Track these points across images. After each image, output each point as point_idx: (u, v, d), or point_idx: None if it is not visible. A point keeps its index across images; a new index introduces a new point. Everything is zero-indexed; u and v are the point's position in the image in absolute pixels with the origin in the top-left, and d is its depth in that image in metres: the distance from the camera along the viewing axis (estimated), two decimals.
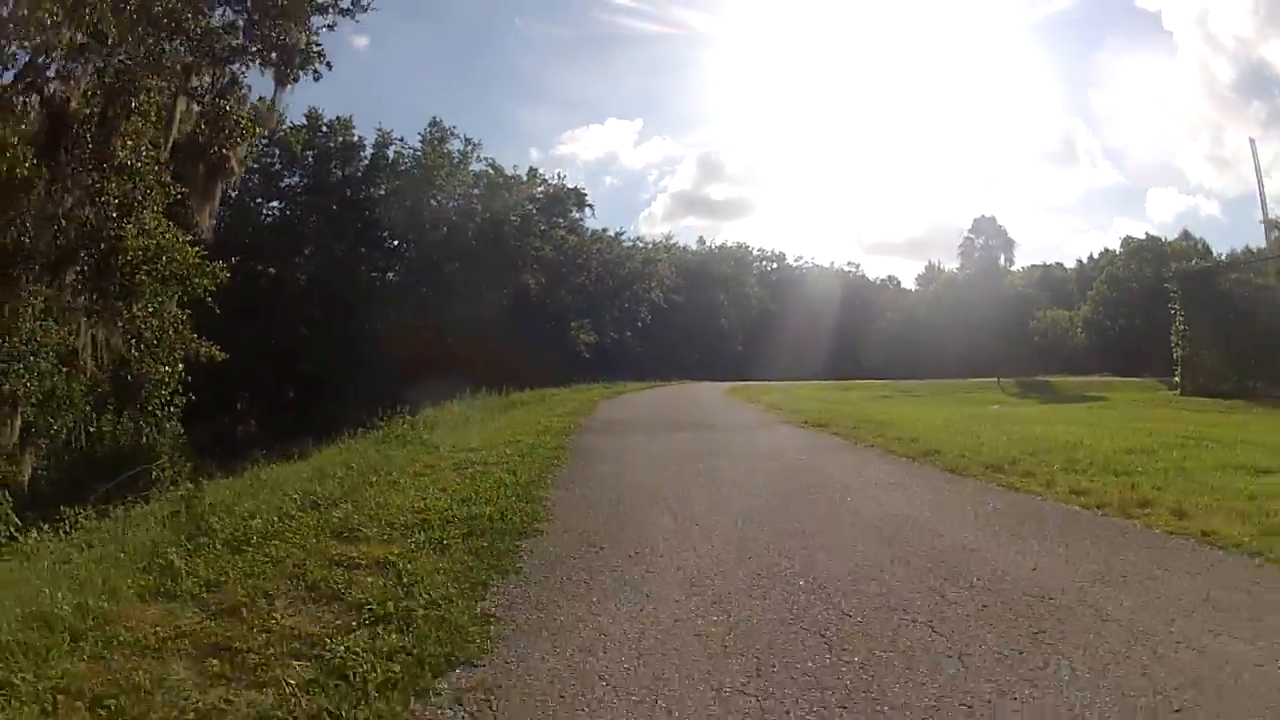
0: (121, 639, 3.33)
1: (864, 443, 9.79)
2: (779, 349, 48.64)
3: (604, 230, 42.20)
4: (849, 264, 69.66)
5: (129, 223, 9.41)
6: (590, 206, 39.97)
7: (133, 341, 10.88)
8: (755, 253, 64.81)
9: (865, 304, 60.67)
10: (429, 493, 6.42)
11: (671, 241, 55.94)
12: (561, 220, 36.64)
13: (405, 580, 4.14)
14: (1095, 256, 59.82)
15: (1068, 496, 6.13)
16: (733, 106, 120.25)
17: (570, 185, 39.22)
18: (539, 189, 36.19)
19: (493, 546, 4.85)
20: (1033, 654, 3.20)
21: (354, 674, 3.03)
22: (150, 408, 14.31)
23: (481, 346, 26.61)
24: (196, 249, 11.74)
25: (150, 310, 11.14)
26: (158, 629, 3.46)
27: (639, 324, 41.62)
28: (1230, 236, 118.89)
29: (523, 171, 36.77)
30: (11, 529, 9.05)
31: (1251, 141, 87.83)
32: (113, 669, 3.06)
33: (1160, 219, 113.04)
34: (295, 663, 3.16)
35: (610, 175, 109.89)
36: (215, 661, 3.15)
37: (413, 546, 4.83)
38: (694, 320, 47.56)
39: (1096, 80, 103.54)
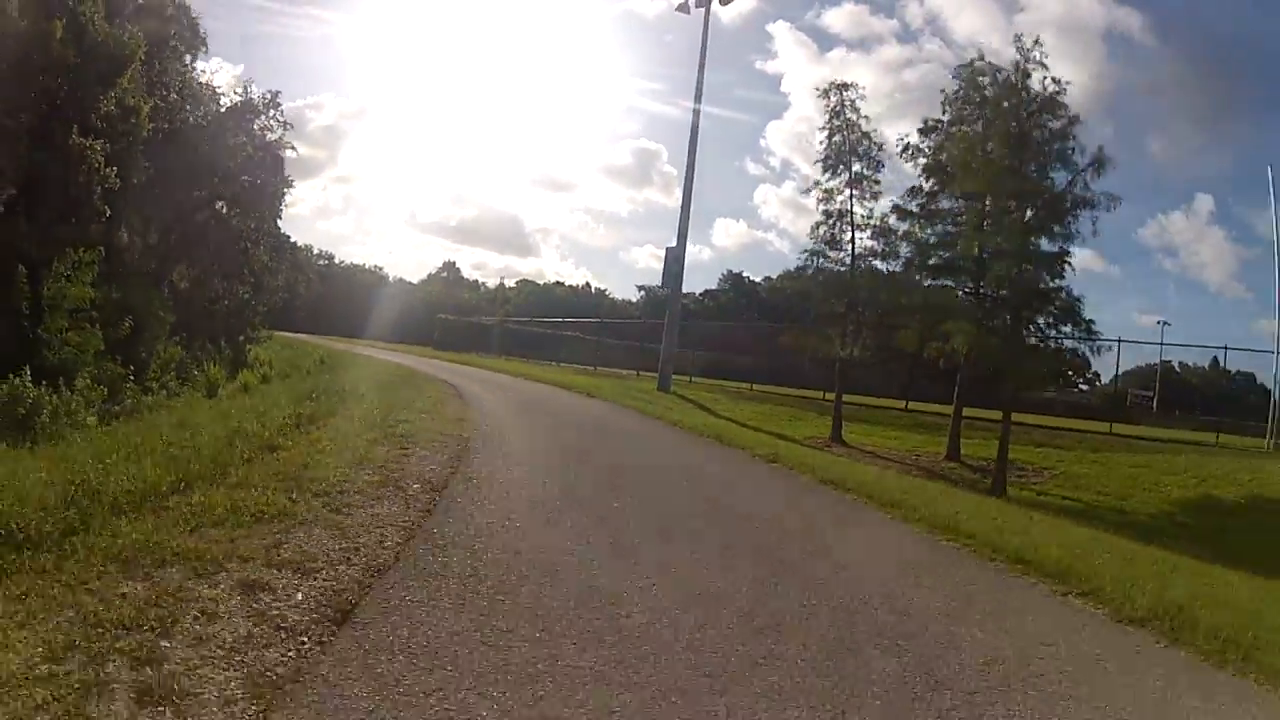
0: None
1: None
2: (322, 317, 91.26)
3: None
4: (375, 266, 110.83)
5: None
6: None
7: None
8: (316, 253, 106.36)
9: (383, 292, 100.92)
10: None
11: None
12: None
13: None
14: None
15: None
16: (328, 69, 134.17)
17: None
18: None
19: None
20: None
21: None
22: None
23: None
24: None
25: None
26: None
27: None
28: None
29: None
30: None
31: None
32: None
33: (723, 245, 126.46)
34: None
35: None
36: None
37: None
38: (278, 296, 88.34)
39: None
